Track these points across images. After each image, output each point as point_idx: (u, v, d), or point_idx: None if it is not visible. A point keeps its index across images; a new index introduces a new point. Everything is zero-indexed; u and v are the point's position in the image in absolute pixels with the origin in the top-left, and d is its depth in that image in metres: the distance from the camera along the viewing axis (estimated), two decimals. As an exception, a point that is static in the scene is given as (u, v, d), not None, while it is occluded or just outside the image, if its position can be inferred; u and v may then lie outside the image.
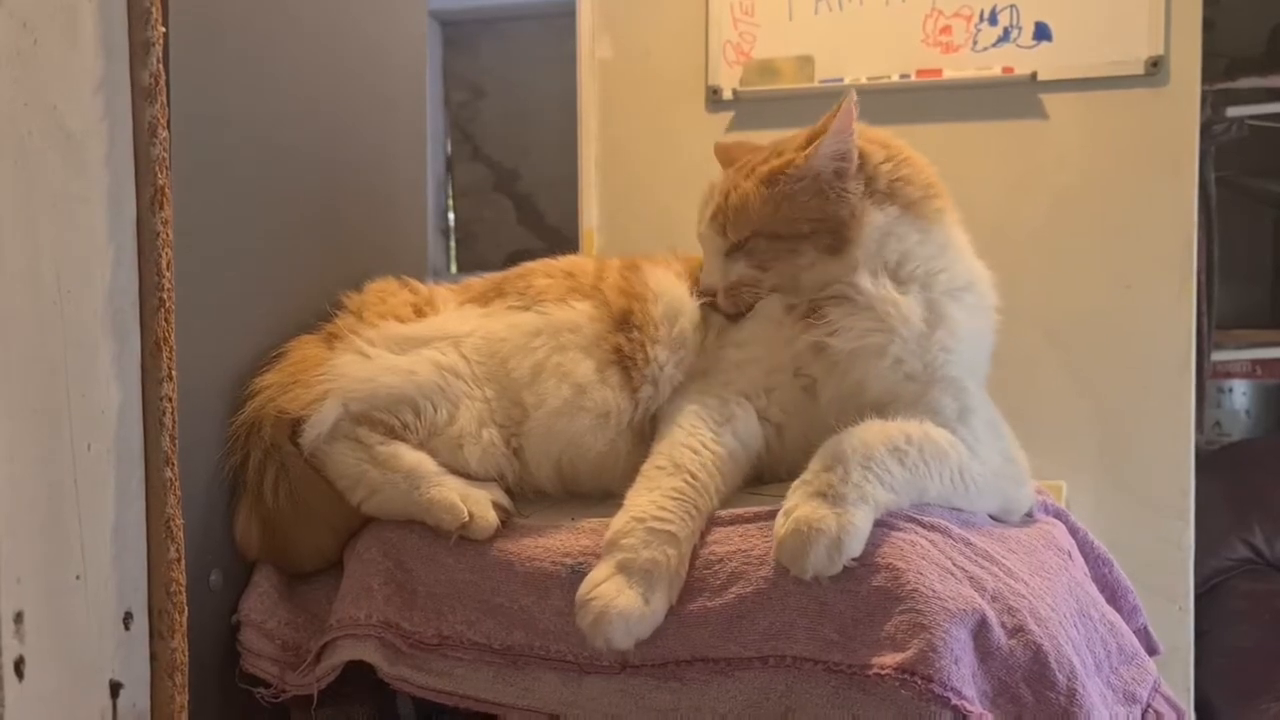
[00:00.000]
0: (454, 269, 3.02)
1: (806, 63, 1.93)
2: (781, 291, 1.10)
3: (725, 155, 1.23)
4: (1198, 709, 1.87)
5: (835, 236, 1.06)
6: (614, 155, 2.07)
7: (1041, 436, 1.79)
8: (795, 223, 1.07)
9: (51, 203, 0.82)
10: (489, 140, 3.02)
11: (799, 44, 1.95)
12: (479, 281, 1.25)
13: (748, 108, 1.97)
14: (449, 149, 3.04)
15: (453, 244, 3.07)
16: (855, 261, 1.05)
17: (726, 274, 1.12)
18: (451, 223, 3.06)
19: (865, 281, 1.04)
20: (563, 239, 2.73)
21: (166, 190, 0.91)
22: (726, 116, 1.99)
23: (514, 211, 3.02)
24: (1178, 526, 1.81)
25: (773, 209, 1.08)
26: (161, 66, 0.90)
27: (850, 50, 1.92)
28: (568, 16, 2.12)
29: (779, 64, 1.94)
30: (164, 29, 0.91)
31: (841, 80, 1.92)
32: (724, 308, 1.13)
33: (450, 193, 3.05)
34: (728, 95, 1.98)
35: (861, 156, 1.07)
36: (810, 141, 1.08)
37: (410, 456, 1.07)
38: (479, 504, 1.04)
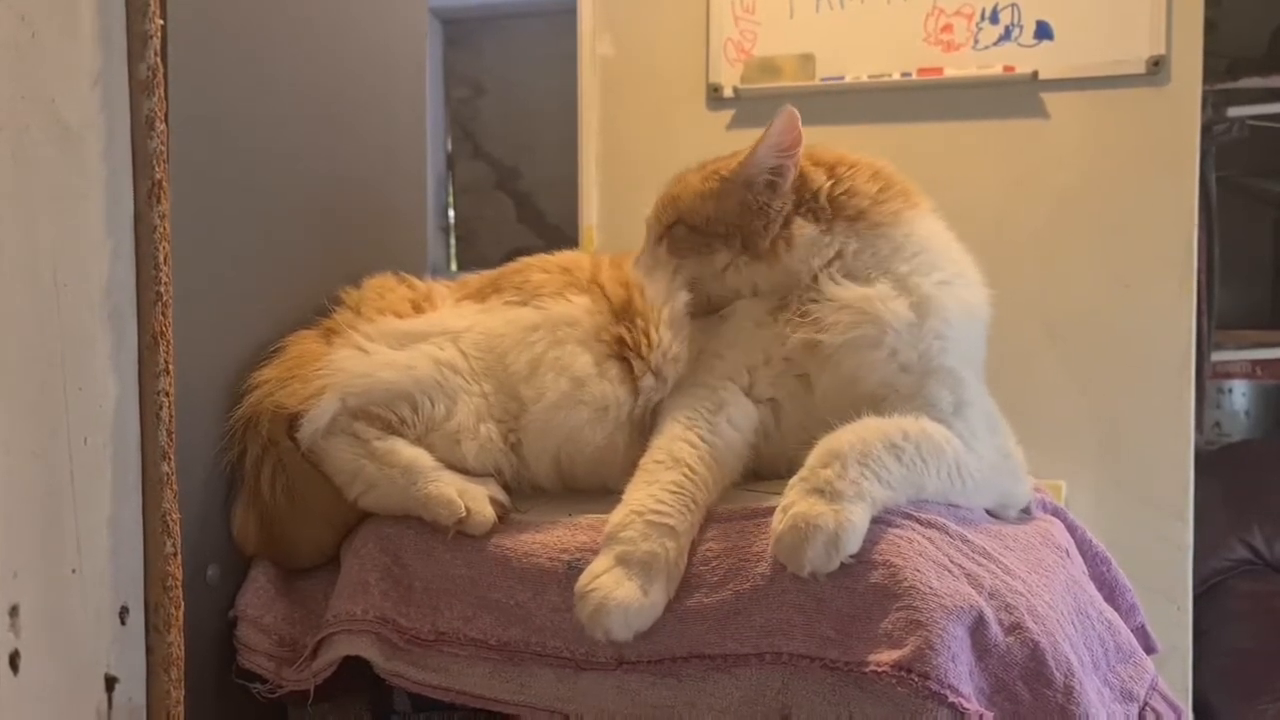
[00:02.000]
0: (454, 267, 3.02)
1: (807, 61, 1.93)
2: (702, 287, 1.14)
3: None
4: (1196, 709, 1.87)
5: (749, 246, 1.10)
6: (614, 153, 2.06)
7: (1041, 435, 1.79)
8: (713, 222, 1.13)
9: (49, 196, 0.82)
10: (490, 138, 3.02)
11: (800, 42, 1.94)
12: (476, 278, 1.25)
13: (748, 105, 1.97)
14: (449, 146, 3.03)
15: (453, 242, 3.06)
16: (792, 268, 1.09)
17: (651, 255, 1.18)
18: (452, 220, 3.05)
19: (825, 285, 1.07)
20: (563, 237, 2.73)
21: (164, 184, 0.91)
22: (727, 114, 1.98)
23: (514, 209, 3.01)
24: (1177, 526, 1.81)
25: (699, 202, 1.14)
26: (160, 60, 0.90)
27: (851, 48, 1.92)
28: (569, 14, 2.12)
29: (780, 62, 1.94)
30: (162, 22, 0.91)
31: (842, 78, 1.91)
32: (640, 283, 1.16)
33: (451, 190, 3.05)
34: (728, 93, 1.98)
35: (801, 178, 1.10)
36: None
37: (407, 452, 1.07)
38: (476, 499, 1.04)
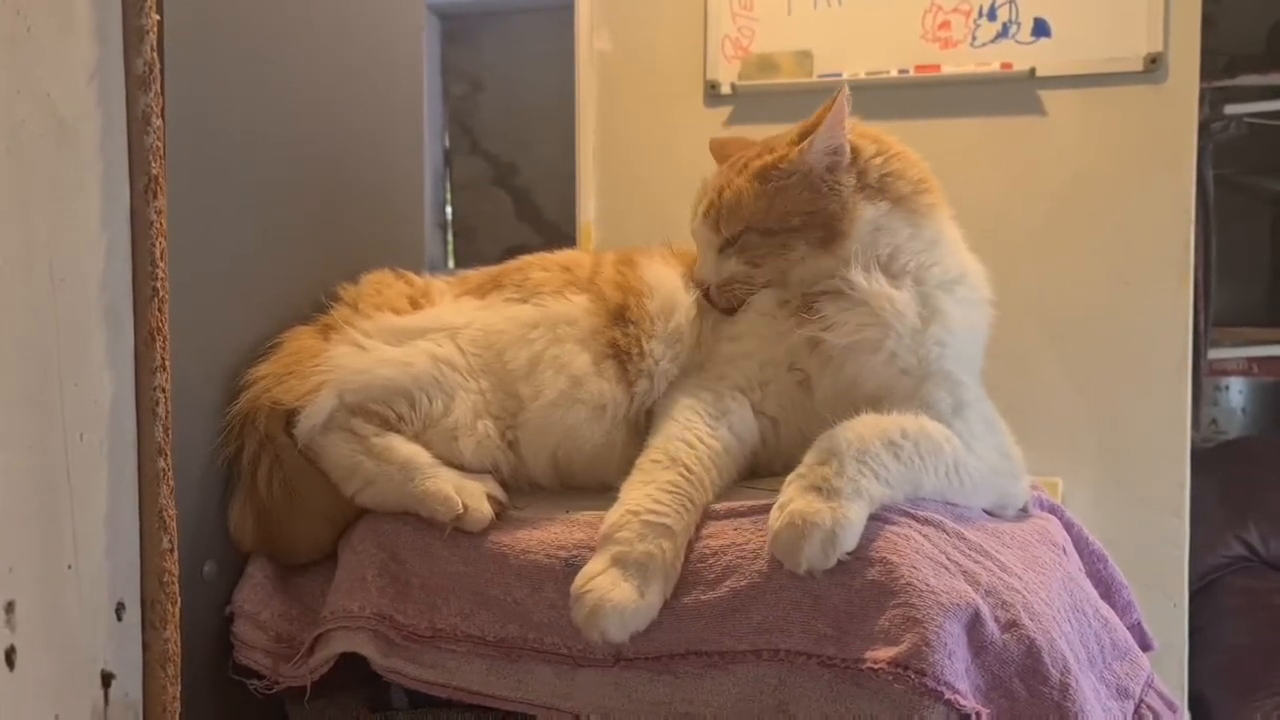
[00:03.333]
0: (452, 263, 3.02)
1: (805, 58, 1.93)
2: (774, 286, 1.10)
3: (720, 151, 1.23)
4: (1193, 705, 1.88)
5: (827, 230, 1.06)
6: (612, 149, 2.06)
7: (1038, 433, 1.79)
8: (787, 217, 1.08)
9: (44, 191, 0.82)
10: (487, 134, 3.01)
11: (798, 39, 1.94)
12: (475, 274, 1.25)
13: (746, 102, 1.97)
14: (447, 142, 3.03)
15: (450, 238, 3.06)
16: (846, 256, 1.06)
17: (719, 270, 1.12)
18: (449, 217, 3.05)
19: (858, 276, 1.04)
20: (561, 234, 2.73)
21: (160, 179, 0.90)
22: (725, 111, 1.98)
23: (512, 206, 3.01)
24: (1174, 523, 1.81)
25: (766, 204, 1.08)
26: (156, 54, 0.90)
27: (849, 45, 1.92)
28: (567, 10, 2.12)
29: (778, 59, 1.94)
30: (159, 17, 0.91)
31: (840, 75, 1.91)
32: (717, 303, 1.14)
33: (448, 186, 3.04)
34: (726, 90, 1.98)
35: (854, 151, 1.07)
36: (803, 136, 1.08)
37: (405, 448, 1.07)
38: (473, 496, 1.04)
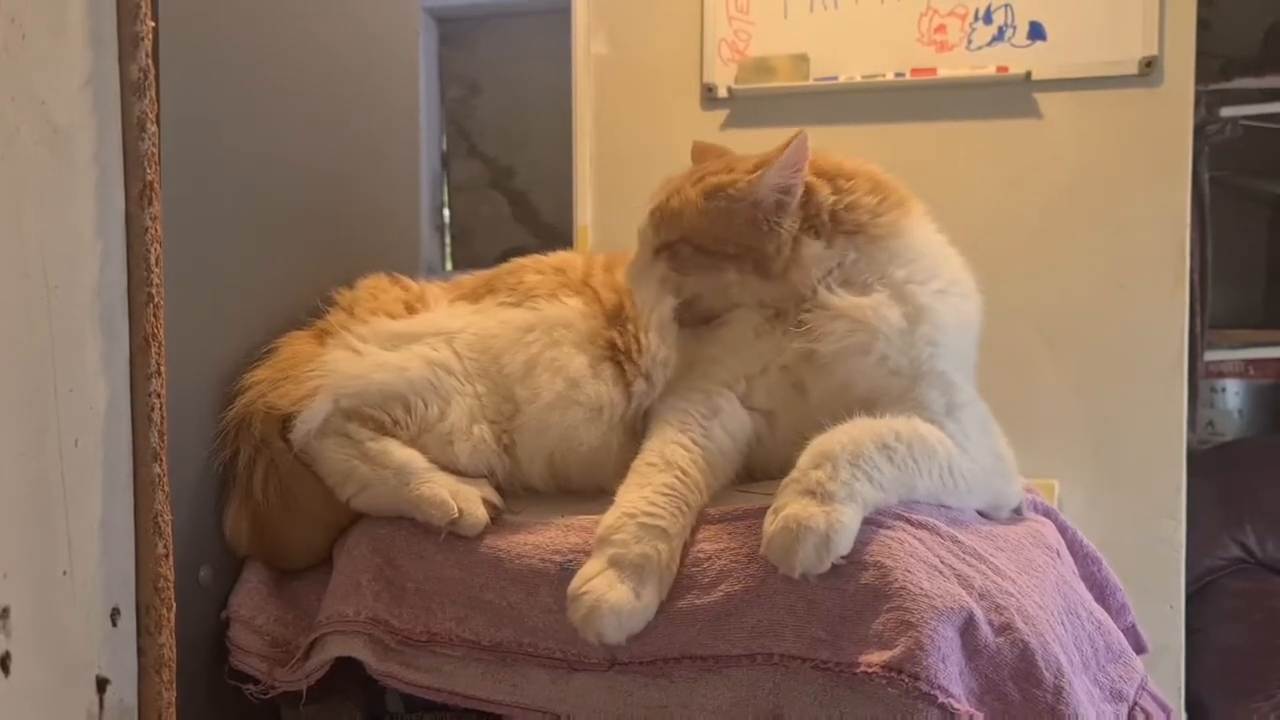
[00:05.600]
0: (449, 266, 3.02)
1: (802, 61, 1.93)
2: (703, 301, 1.12)
3: (699, 156, 1.24)
4: (1189, 708, 1.88)
5: (759, 267, 1.07)
6: (608, 152, 2.06)
7: (1034, 435, 1.80)
8: (723, 242, 1.08)
9: (39, 197, 0.82)
10: (485, 137, 3.02)
11: (794, 42, 1.95)
12: (470, 278, 1.25)
13: (743, 105, 1.97)
14: (445, 145, 3.03)
15: (448, 240, 3.06)
16: (796, 284, 1.07)
17: (650, 269, 1.13)
18: (447, 219, 3.05)
19: (826, 297, 1.06)
20: (558, 236, 2.73)
21: (155, 185, 0.90)
22: (721, 114, 1.99)
23: (509, 208, 3.01)
24: (1170, 525, 1.82)
25: (706, 222, 1.09)
26: (151, 61, 0.90)
27: (845, 48, 1.92)
28: (564, 13, 2.12)
29: (774, 62, 1.94)
30: (154, 23, 0.91)
31: (836, 79, 1.92)
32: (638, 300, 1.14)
33: (446, 189, 3.05)
34: (723, 93, 1.98)
35: (808, 192, 1.08)
36: (759, 168, 1.08)
37: (400, 453, 1.07)
38: (469, 500, 1.04)
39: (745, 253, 1.08)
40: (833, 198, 1.09)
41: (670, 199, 1.13)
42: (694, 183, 1.12)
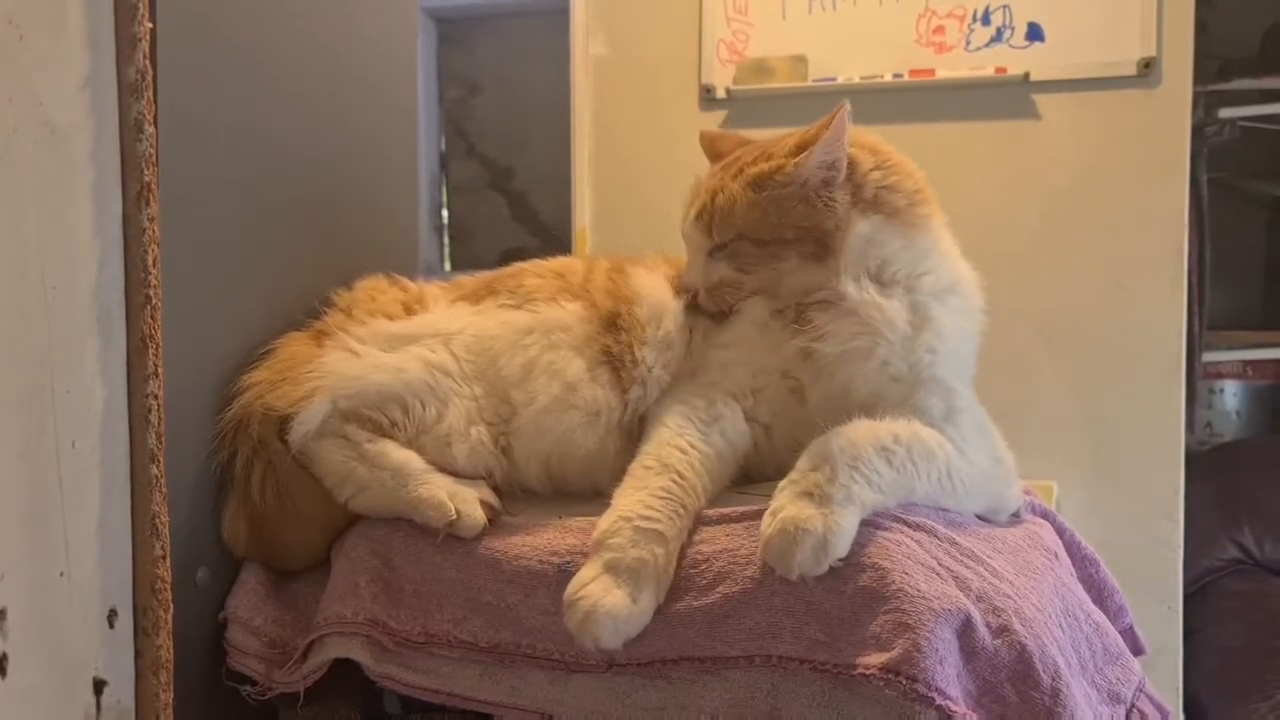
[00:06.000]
0: (448, 266, 3.02)
1: (800, 62, 1.93)
2: (764, 294, 1.10)
3: (711, 146, 1.22)
4: (1187, 709, 1.88)
5: (819, 245, 1.06)
6: (607, 153, 2.07)
7: (1032, 436, 1.80)
8: (780, 229, 1.07)
9: (37, 198, 0.82)
10: (484, 137, 3.01)
11: (793, 43, 1.95)
12: (469, 280, 1.25)
13: (741, 106, 1.97)
14: (444, 146, 3.03)
15: (447, 241, 3.06)
16: (838, 268, 1.05)
17: (708, 274, 1.12)
18: (446, 220, 3.05)
19: (849, 287, 1.04)
20: (557, 237, 2.73)
21: (153, 186, 0.90)
22: (720, 115, 1.99)
23: (508, 209, 3.01)
24: (1168, 526, 1.82)
25: (759, 214, 1.07)
26: (149, 62, 0.90)
27: (844, 50, 1.92)
28: (563, 13, 2.12)
29: (773, 63, 1.94)
30: (151, 24, 0.91)
31: (835, 80, 1.92)
32: (705, 306, 1.13)
33: (445, 190, 3.04)
34: (721, 94, 1.98)
35: (851, 164, 1.06)
36: (801, 148, 1.07)
37: (398, 454, 1.07)
38: (466, 502, 1.04)
39: (804, 233, 1.06)
40: (877, 171, 1.07)
41: (715, 198, 1.10)
42: (734, 176, 1.10)
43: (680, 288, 1.15)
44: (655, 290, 1.15)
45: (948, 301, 1.07)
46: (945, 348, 1.05)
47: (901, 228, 1.07)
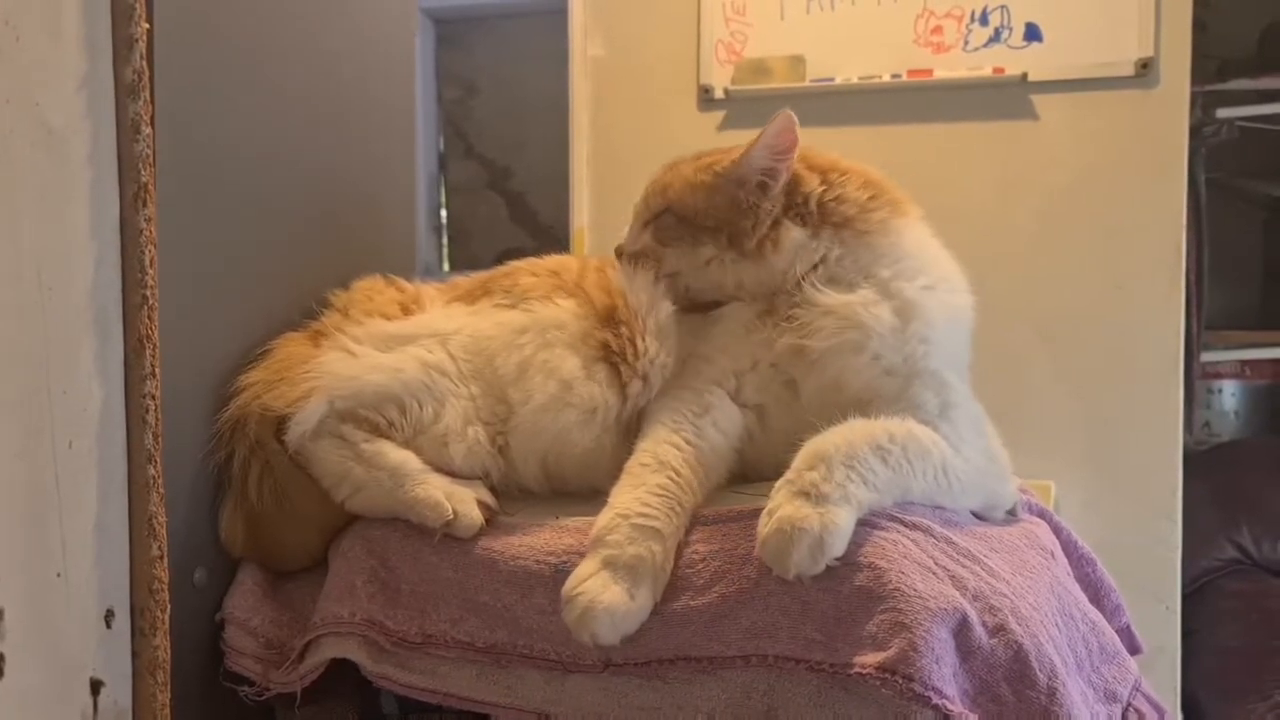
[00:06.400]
0: (446, 267, 3.02)
1: (798, 62, 1.94)
2: (683, 279, 1.15)
3: None
4: (1185, 708, 1.88)
5: (734, 243, 1.11)
6: (605, 153, 2.07)
7: (1031, 436, 1.81)
8: (703, 214, 1.13)
9: (33, 199, 0.82)
10: (482, 138, 3.02)
11: (791, 43, 1.95)
12: (465, 280, 1.25)
13: (739, 107, 1.97)
14: (442, 146, 3.03)
15: (445, 241, 3.06)
16: (776, 268, 1.09)
17: (636, 239, 1.18)
18: (444, 220, 3.05)
19: (810, 293, 1.07)
20: (555, 237, 2.73)
21: (150, 187, 0.90)
22: (718, 115, 1.99)
23: (507, 209, 3.01)
24: (1166, 526, 1.82)
25: (690, 193, 1.14)
26: (145, 63, 0.90)
27: (842, 50, 1.93)
28: (561, 14, 2.12)
29: (771, 63, 1.95)
30: (148, 25, 0.91)
31: (833, 80, 1.92)
32: (622, 268, 1.18)
33: (443, 190, 3.05)
34: (719, 94, 1.98)
35: (796, 180, 1.11)
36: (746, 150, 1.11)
37: (395, 454, 1.07)
38: (463, 502, 1.04)
39: (722, 227, 1.11)
40: (820, 189, 1.11)
41: (665, 174, 1.19)
42: (690, 161, 1.19)
43: (615, 250, 1.21)
44: (642, 281, 1.16)
45: (931, 291, 1.08)
46: (937, 335, 1.05)
47: (854, 235, 1.10)
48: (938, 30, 1.89)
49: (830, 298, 1.06)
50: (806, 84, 1.93)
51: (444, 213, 3.05)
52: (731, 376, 1.10)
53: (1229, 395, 2.41)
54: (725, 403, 1.08)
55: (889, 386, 1.03)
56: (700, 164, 1.16)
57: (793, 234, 1.09)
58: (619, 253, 1.20)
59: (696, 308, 1.16)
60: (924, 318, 1.05)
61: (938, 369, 1.04)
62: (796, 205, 1.10)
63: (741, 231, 1.10)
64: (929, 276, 1.09)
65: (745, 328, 1.11)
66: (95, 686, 0.88)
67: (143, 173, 0.90)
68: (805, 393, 1.06)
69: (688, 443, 1.03)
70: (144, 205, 0.90)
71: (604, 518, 0.96)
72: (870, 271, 1.08)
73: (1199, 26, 1.84)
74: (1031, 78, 1.84)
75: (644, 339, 1.12)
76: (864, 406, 0.99)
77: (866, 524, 0.92)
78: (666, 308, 1.14)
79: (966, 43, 1.88)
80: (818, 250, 1.09)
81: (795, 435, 0.98)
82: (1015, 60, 1.85)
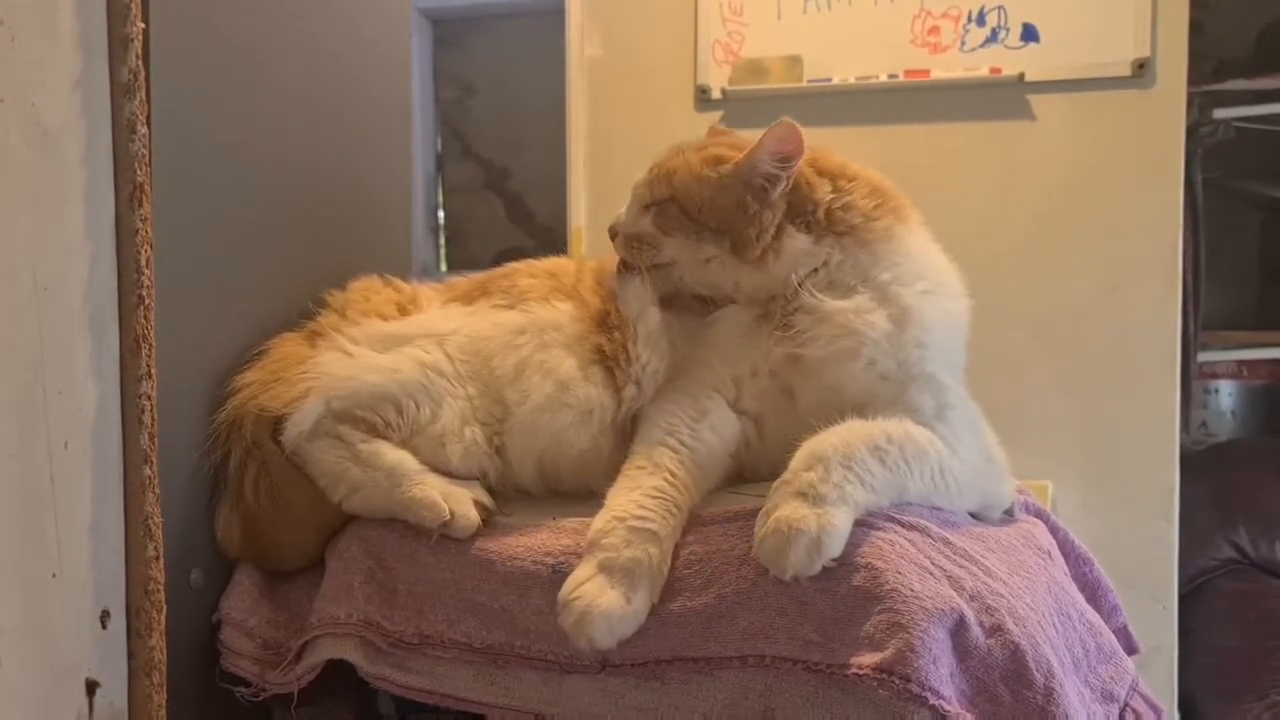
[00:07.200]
0: (444, 267, 3.02)
1: (795, 62, 1.93)
2: (678, 270, 1.13)
3: (713, 137, 1.24)
4: (1182, 708, 1.88)
5: (736, 248, 1.08)
6: (603, 154, 2.07)
7: (1028, 436, 1.81)
8: (706, 212, 1.10)
9: (28, 199, 0.82)
10: (480, 138, 3.01)
11: (788, 44, 1.95)
12: (463, 281, 1.25)
13: (736, 107, 1.97)
14: (439, 147, 3.03)
15: (443, 242, 3.06)
16: (776, 275, 1.07)
17: (635, 222, 1.15)
18: (441, 221, 3.05)
19: (806, 296, 1.06)
20: (553, 237, 2.73)
21: (146, 187, 0.90)
22: (715, 115, 1.98)
23: (504, 209, 3.01)
24: (1163, 526, 1.82)
25: (697, 187, 1.10)
26: (141, 63, 0.90)
27: (838, 50, 1.93)
28: (558, 14, 2.12)
29: (768, 63, 1.95)
30: (143, 25, 0.91)
31: (830, 80, 1.92)
32: (617, 251, 1.16)
33: (440, 191, 3.04)
34: (716, 94, 1.98)
35: (805, 186, 1.09)
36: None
37: (392, 454, 1.07)
38: (460, 502, 1.04)
39: (725, 229, 1.09)
40: (830, 196, 1.09)
41: (671, 159, 1.14)
42: (698, 149, 1.14)
43: (609, 229, 1.18)
44: (633, 291, 1.15)
45: (927, 295, 1.07)
46: (933, 339, 1.05)
47: (858, 243, 1.08)
48: (935, 30, 1.89)
49: (827, 304, 1.05)
50: (803, 84, 1.93)
51: (441, 213, 3.05)
52: (731, 384, 1.09)
53: (1226, 395, 2.41)
54: (722, 408, 1.08)
55: (885, 391, 1.03)
56: (707, 155, 1.12)
57: (797, 241, 1.07)
58: (613, 233, 1.17)
59: (685, 299, 1.15)
60: (921, 323, 1.04)
61: (934, 372, 1.04)
62: (805, 212, 1.08)
63: (745, 240, 1.07)
64: (927, 281, 1.08)
65: (743, 333, 1.10)
66: (90, 687, 0.88)
67: (138, 172, 0.90)
68: (803, 399, 1.06)
69: (683, 445, 1.03)
70: (139, 205, 0.90)
71: (600, 520, 0.96)
72: (869, 276, 1.07)
73: (1195, 27, 1.84)
74: (1028, 78, 1.84)
75: (635, 346, 1.11)
76: (861, 410, 0.99)
77: (864, 524, 0.92)
78: (655, 315, 1.13)
79: (963, 43, 1.88)
80: (819, 256, 1.08)
81: (792, 438, 0.98)
82: (1012, 60, 1.85)
